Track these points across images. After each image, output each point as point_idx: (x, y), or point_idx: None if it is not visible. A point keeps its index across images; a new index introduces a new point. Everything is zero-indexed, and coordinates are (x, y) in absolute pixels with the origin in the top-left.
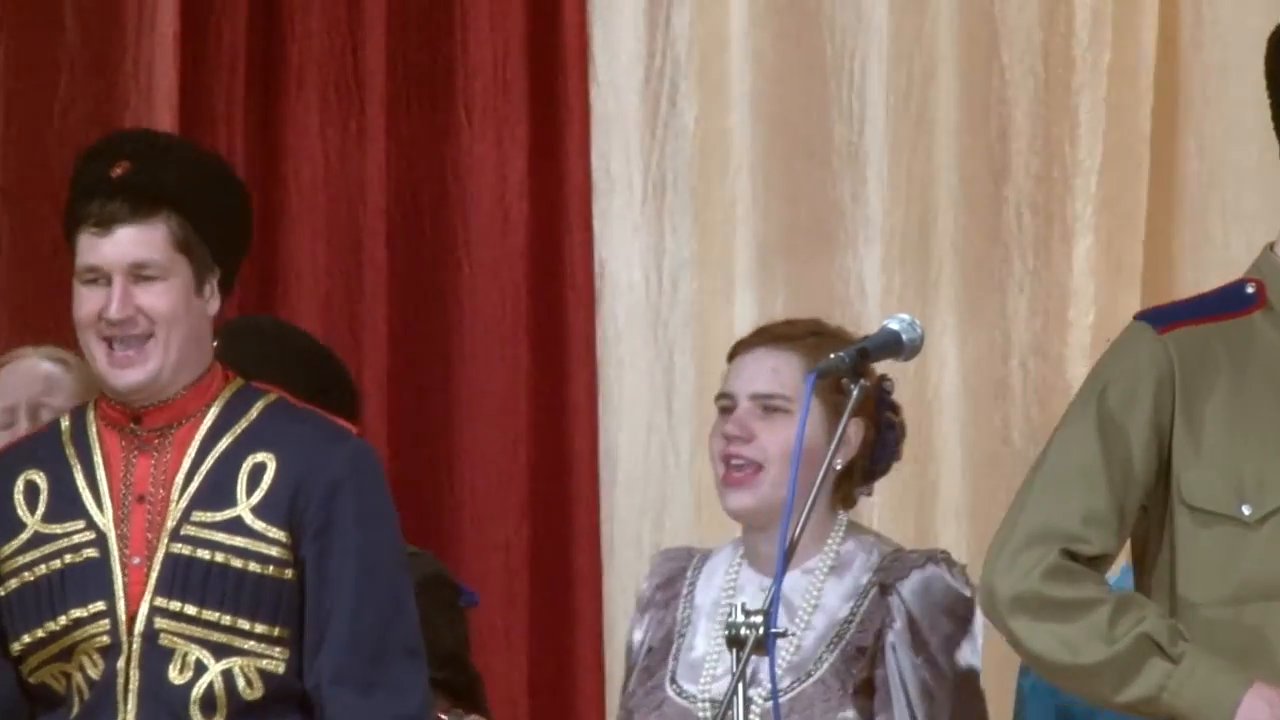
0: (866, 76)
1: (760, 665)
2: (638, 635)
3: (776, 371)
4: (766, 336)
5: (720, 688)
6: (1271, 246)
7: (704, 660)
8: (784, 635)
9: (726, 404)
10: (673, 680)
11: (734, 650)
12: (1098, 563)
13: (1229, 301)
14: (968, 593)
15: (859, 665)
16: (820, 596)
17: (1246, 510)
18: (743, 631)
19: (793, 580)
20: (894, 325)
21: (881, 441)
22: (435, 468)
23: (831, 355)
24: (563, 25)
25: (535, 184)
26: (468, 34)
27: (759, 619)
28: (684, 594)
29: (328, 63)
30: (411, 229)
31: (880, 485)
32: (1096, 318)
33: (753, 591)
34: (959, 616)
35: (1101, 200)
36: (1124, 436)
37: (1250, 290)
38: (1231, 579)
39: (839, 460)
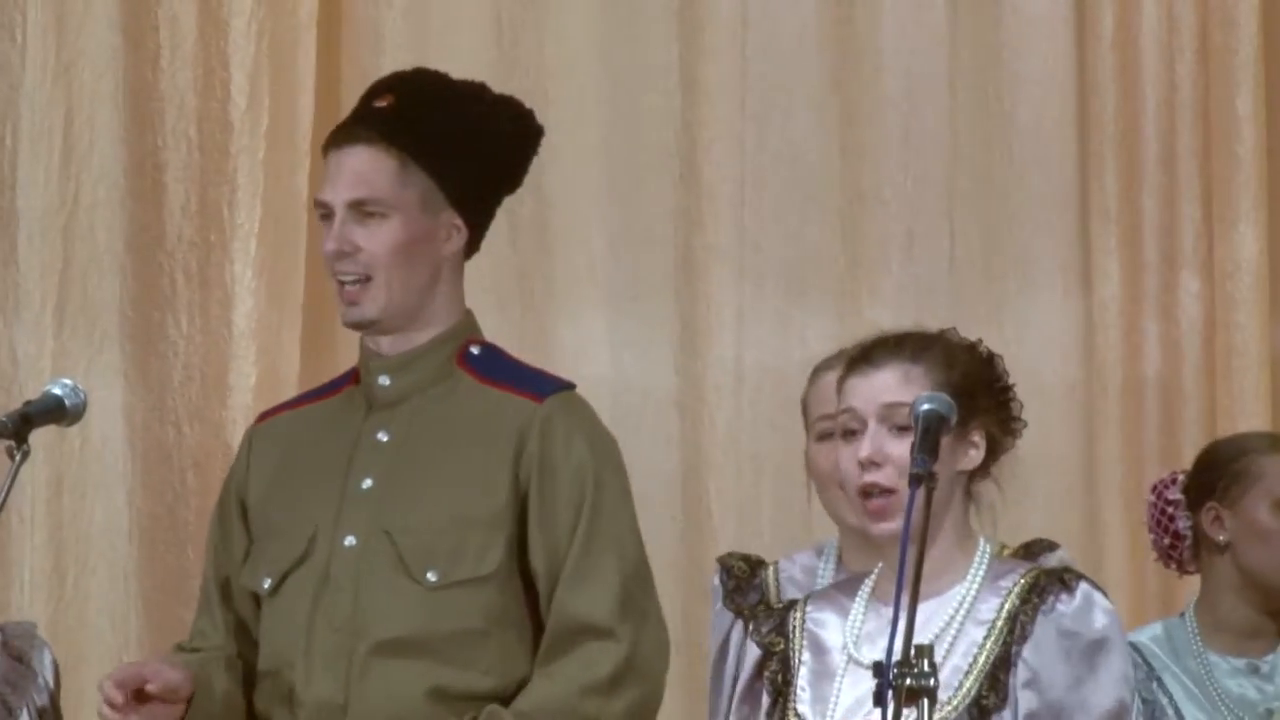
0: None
1: None
2: None
3: None
4: None
5: None
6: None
7: None
8: None
9: None
10: None
11: None
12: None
13: (335, 383)
14: None
15: None
16: None
17: (266, 584)
18: None
19: None
20: (57, 390)
21: None
22: None
23: None
24: None
25: None
26: None
27: None
28: None
29: None
30: None
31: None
32: (259, 380)
33: None
34: None
35: (260, 263)
36: (216, 536)
37: (356, 368)
38: (266, 651)
39: None
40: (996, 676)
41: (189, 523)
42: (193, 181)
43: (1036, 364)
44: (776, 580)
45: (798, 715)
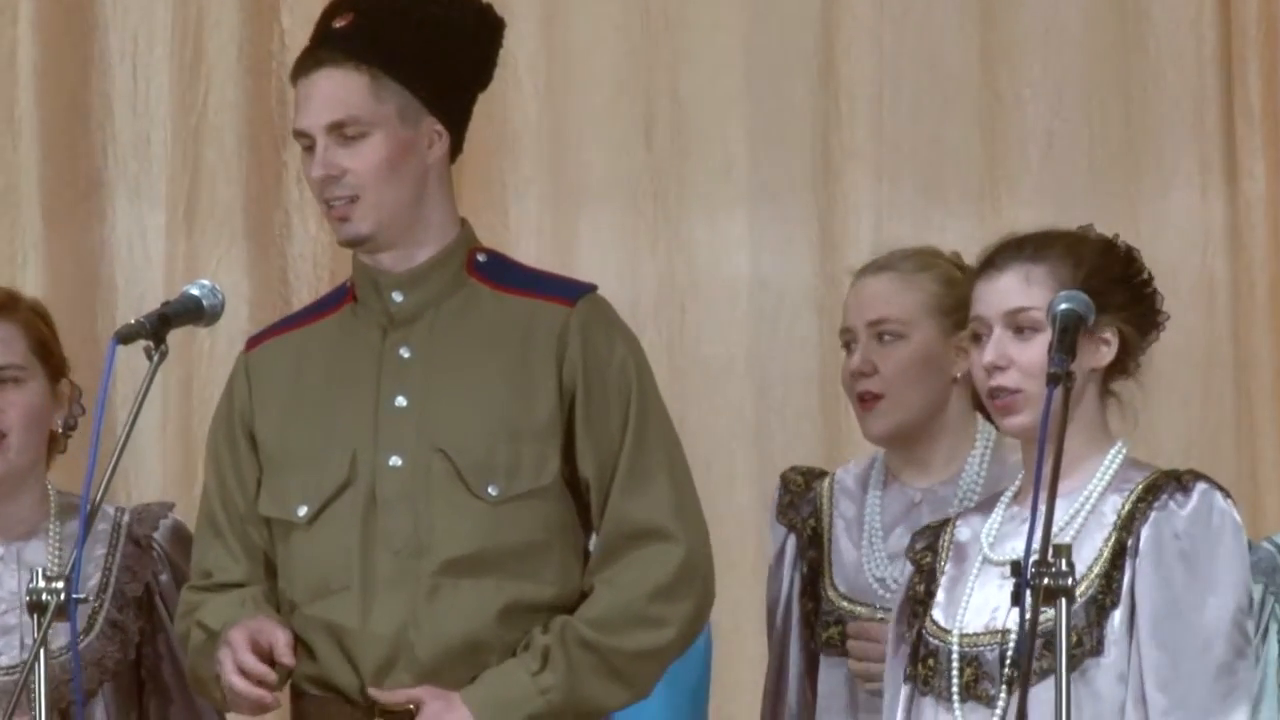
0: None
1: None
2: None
3: None
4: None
5: None
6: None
7: None
8: (85, 601)
9: None
10: None
11: (35, 615)
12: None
13: (325, 303)
14: None
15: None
16: None
17: (301, 512)
18: (44, 597)
19: None
20: (195, 291)
21: None
22: None
23: (134, 320)
24: None
25: None
26: None
27: (60, 584)
28: None
29: None
30: None
31: None
32: None
33: None
34: None
35: None
36: (225, 466)
37: (347, 286)
38: (305, 580)
39: None
40: (1110, 575)
41: None
42: None
43: (1175, 263)
44: (830, 490)
45: (932, 620)
